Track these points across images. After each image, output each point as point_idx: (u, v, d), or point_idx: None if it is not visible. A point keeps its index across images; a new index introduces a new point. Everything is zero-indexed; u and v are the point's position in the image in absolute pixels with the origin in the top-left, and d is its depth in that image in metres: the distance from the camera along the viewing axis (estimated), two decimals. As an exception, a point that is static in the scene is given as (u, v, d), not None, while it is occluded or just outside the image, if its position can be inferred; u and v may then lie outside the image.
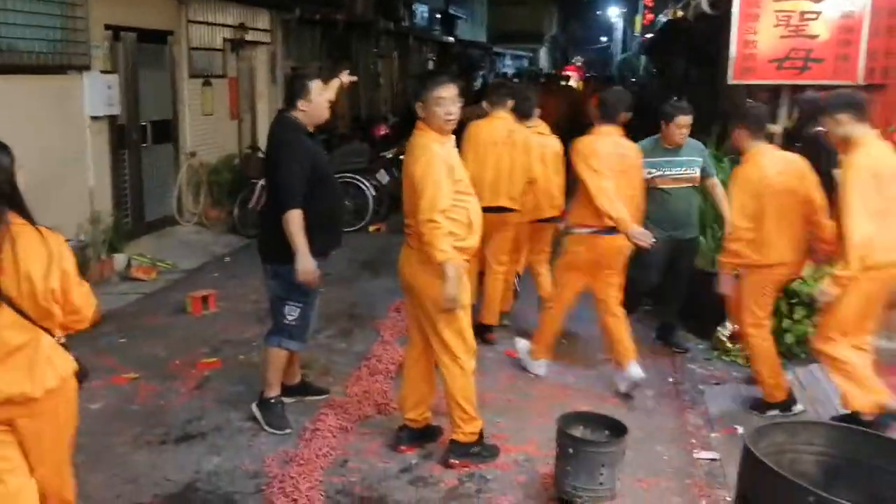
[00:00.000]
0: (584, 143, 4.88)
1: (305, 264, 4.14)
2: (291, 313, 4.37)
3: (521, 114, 5.90)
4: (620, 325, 5.03)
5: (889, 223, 3.95)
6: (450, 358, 3.94)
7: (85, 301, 2.86)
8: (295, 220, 4.13)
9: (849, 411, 4.20)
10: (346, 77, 4.88)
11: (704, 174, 5.66)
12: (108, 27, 7.74)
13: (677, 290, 5.93)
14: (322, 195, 4.33)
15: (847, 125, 4.12)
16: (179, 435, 4.40)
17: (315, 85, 4.33)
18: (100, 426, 4.45)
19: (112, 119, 7.85)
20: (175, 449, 4.24)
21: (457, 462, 4.02)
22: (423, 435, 4.23)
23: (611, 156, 4.81)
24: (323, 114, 4.41)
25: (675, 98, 7.24)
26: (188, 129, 9.42)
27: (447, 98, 3.82)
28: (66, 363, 2.80)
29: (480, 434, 4.08)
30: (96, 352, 5.57)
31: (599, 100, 5.10)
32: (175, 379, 5.16)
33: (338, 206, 4.72)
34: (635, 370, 4.97)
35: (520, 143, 5.69)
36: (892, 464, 2.74)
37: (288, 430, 4.40)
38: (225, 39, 10.26)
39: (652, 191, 5.44)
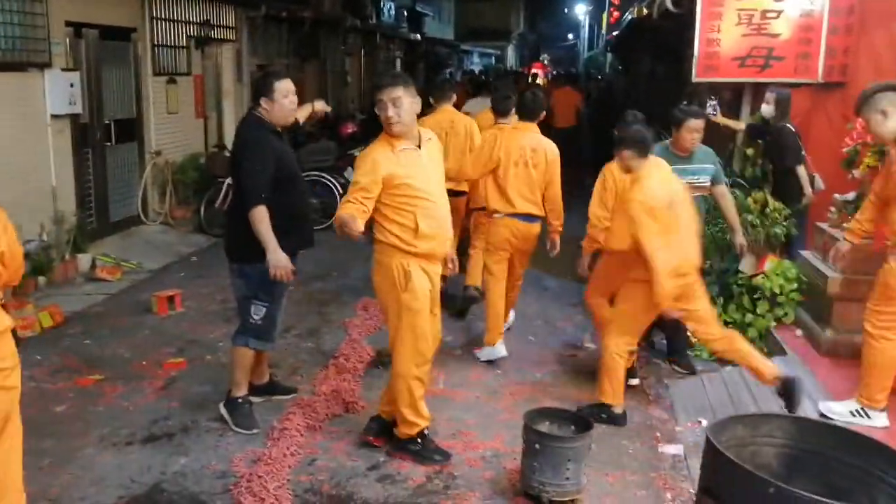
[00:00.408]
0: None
1: (277, 258, 4.14)
2: (257, 313, 4.35)
3: (499, 112, 5.83)
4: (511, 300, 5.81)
5: (671, 240, 4.18)
6: (398, 360, 3.99)
7: (22, 262, 3.11)
8: (260, 217, 4.12)
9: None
10: (319, 105, 4.95)
11: (715, 181, 5.35)
12: (68, 24, 7.62)
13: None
14: (289, 194, 4.31)
15: (632, 161, 4.32)
16: (145, 436, 4.36)
17: (280, 85, 4.26)
18: (65, 428, 4.41)
19: (74, 118, 7.74)
20: (141, 450, 4.21)
21: (397, 454, 4.12)
22: (393, 426, 4.22)
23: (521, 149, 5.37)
24: (287, 115, 4.35)
25: (686, 103, 6.47)
26: (153, 127, 9.32)
27: (384, 101, 3.82)
28: (3, 318, 2.93)
29: (420, 434, 4.09)
30: (60, 353, 5.52)
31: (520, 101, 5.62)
32: (141, 379, 5.11)
33: (306, 206, 4.67)
34: (500, 348, 5.50)
35: (462, 132, 6.53)
36: (847, 454, 2.80)
37: (255, 430, 4.38)
38: (189, 36, 10.16)
39: None
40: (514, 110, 5.71)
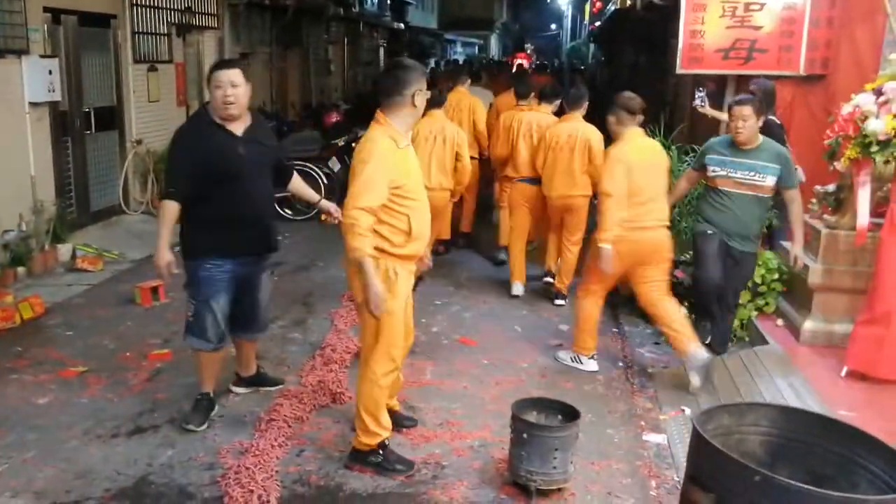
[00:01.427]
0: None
1: (158, 256, 4.14)
2: (189, 310, 4.31)
3: (520, 95, 7.39)
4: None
5: (632, 202, 4.82)
6: (368, 366, 3.83)
7: None
8: (163, 210, 4.11)
9: None
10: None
11: (782, 184, 5.00)
12: (46, 10, 7.52)
13: (724, 303, 5.32)
14: (223, 197, 4.09)
15: (615, 126, 5.00)
16: (131, 428, 4.34)
17: (214, 74, 4.03)
18: (48, 421, 4.38)
19: (53, 105, 7.65)
20: (127, 442, 4.19)
21: (350, 465, 3.93)
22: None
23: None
24: (219, 107, 4.04)
25: (673, 94, 6.92)
26: (133, 116, 9.23)
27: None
28: None
29: (381, 445, 3.90)
30: (42, 345, 5.47)
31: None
32: (125, 371, 5.09)
33: (246, 211, 4.18)
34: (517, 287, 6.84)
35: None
36: (830, 442, 2.85)
37: (199, 427, 4.28)
38: (170, 24, 10.06)
39: (710, 190, 5.22)
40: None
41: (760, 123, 5.03)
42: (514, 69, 18.92)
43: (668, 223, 5.07)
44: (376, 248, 3.62)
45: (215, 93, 4.02)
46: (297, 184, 4.66)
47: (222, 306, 4.29)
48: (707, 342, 5.28)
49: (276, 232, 4.48)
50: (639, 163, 4.88)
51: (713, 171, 5.15)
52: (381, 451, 3.91)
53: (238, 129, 4.13)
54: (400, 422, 4.29)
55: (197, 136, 4.14)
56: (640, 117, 5.04)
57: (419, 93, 3.69)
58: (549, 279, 6.97)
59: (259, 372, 4.86)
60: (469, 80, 8.99)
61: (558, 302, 6.69)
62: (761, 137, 5.06)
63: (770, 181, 4.98)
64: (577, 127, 6.49)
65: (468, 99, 8.47)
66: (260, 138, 4.24)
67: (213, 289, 4.24)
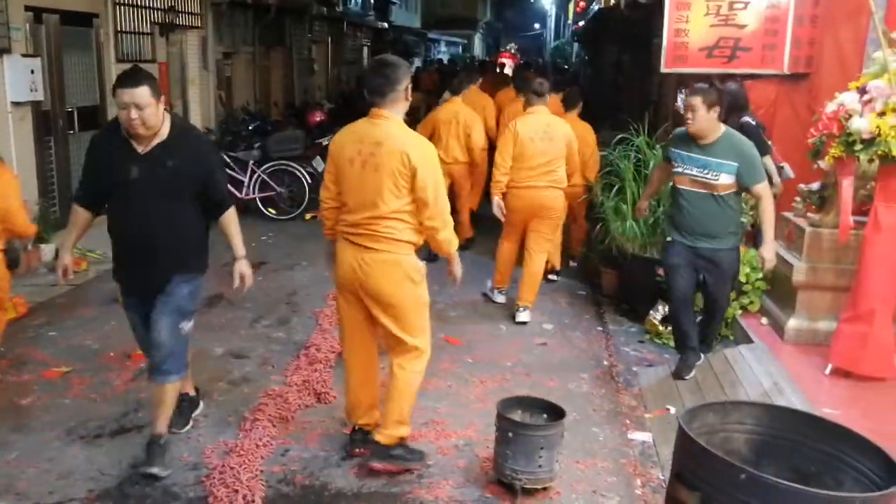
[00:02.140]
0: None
1: (58, 259, 4.02)
2: None
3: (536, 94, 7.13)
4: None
5: (522, 166, 6.12)
6: (418, 357, 3.87)
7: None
8: (71, 213, 4.02)
9: None
10: None
11: (742, 182, 4.77)
12: (28, 8, 7.46)
13: (708, 310, 5.24)
14: (116, 217, 3.86)
15: (526, 104, 6.34)
16: (115, 428, 4.30)
17: (118, 94, 3.58)
18: (31, 421, 4.34)
19: (36, 105, 7.59)
20: (111, 442, 4.16)
21: (380, 466, 3.87)
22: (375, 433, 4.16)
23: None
24: (123, 123, 3.63)
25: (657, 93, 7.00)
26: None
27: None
28: None
29: (403, 436, 3.96)
30: (25, 345, 5.43)
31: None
32: (109, 371, 5.05)
33: (135, 241, 3.80)
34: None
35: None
36: (815, 440, 2.86)
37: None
38: (154, 23, 10.00)
39: (672, 189, 5.14)
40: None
41: (714, 116, 4.76)
42: (497, 69, 18.95)
43: (563, 185, 6.23)
44: (408, 243, 3.78)
45: (119, 112, 3.61)
46: (228, 224, 3.97)
47: (141, 337, 4.02)
48: (676, 369, 5.11)
49: (184, 265, 3.85)
50: (527, 134, 6.11)
51: (674, 167, 5.01)
52: (401, 444, 3.95)
53: (142, 145, 3.68)
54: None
55: (100, 145, 3.88)
56: (547, 97, 6.38)
57: (409, 86, 3.79)
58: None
59: (187, 395, 4.34)
60: (480, 80, 9.69)
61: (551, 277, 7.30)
62: (721, 132, 4.81)
63: (725, 179, 4.75)
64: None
65: (483, 99, 9.23)
66: (167, 159, 3.69)
67: (129, 315, 4.03)
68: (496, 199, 6.18)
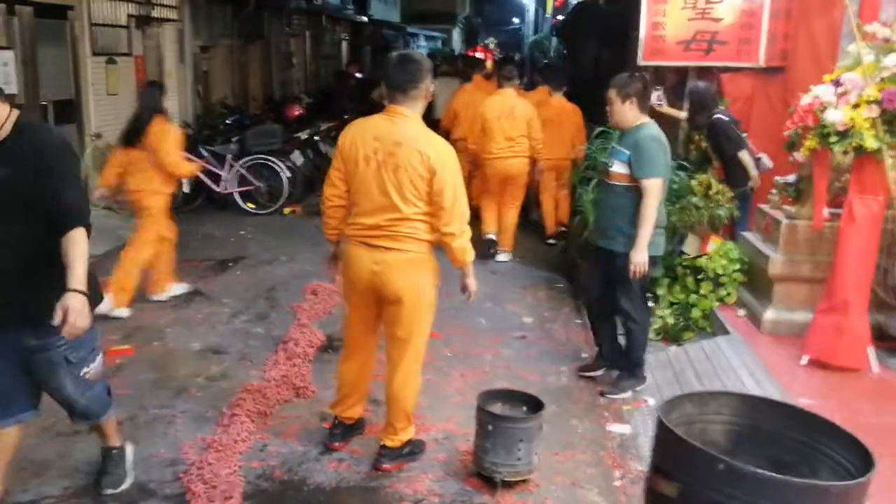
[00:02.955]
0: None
1: None
2: None
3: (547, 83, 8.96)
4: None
5: (489, 139, 7.60)
6: (416, 361, 3.83)
7: None
8: None
9: None
10: None
11: (633, 173, 4.50)
12: (0, 0, 7.35)
13: (610, 316, 5.01)
14: None
15: (497, 87, 8.03)
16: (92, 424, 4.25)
17: None
18: (4, 419, 4.27)
19: (9, 98, 7.45)
20: (87, 439, 4.08)
21: (390, 466, 3.87)
22: (354, 428, 4.14)
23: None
24: None
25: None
26: (92, 109, 9.07)
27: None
28: None
29: (410, 439, 3.96)
30: (-2, 342, 5.34)
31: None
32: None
33: None
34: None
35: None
36: (791, 429, 2.88)
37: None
38: (130, 16, 9.89)
39: None
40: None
41: (629, 108, 4.56)
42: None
43: (526, 154, 7.63)
44: (430, 242, 3.68)
45: None
46: (71, 244, 2.98)
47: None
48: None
49: (36, 296, 3.00)
50: (492, 112, 7.62)
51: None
52: (411, 442, 3.94)
53: None
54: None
55: None
56: (516, 81, 8.05)
57: (430, 86, 3.67)
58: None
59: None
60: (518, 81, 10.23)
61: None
62: (640, 122, 4.59)
63: (618, 168, 4.55)
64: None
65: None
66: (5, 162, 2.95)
67: None
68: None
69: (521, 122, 7.57)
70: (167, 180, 6.10)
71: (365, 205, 3.64)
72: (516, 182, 7.79)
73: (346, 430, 4.10)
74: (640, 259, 4.48)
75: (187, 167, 6.43)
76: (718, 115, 6.19)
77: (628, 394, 4.80)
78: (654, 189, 4.45)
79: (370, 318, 3.87)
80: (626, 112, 4.58)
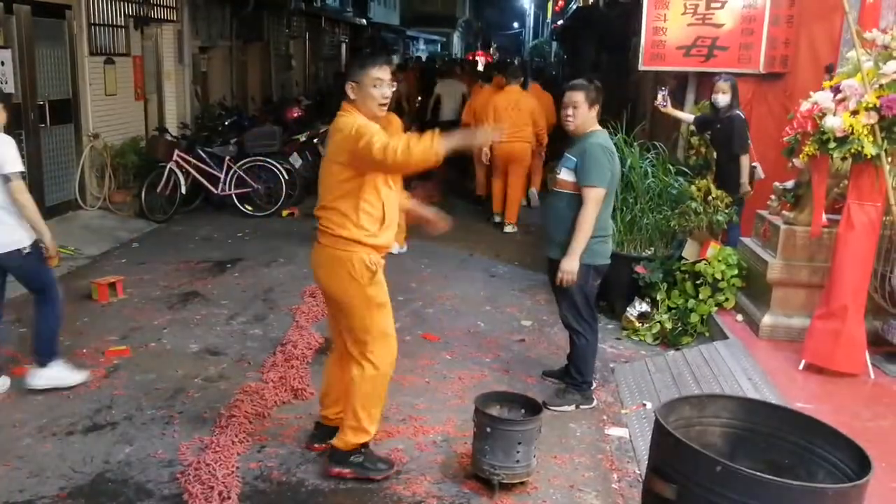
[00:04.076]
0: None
1: None
2: None
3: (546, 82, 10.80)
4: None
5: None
6: (365, 359, 3.69)
7: None
8: None
9: None
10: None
11: (578, 181, 4.39)
12: (-1, 0, 7.36)
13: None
14: None
15: (504, 83, 9.38)
16: (88, 425, 4.25)
17: None
18: (1, 418, 4.27)
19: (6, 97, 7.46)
20: (83, 439, 4.10)
21: (334, 472, 3.75)
22: (335, 430, 4.00)
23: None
24: None
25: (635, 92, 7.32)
26: (90, 109, 9.05)
27: (384, 80, 3.56)
28: None
29: (364, 444, 3.79)
30: (-5, 341, 5.34)
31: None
32: (82, 368, 4.97)
33: None
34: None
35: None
36: (786, 432, 2.89)
37: None
38: (128, 16, 9.88)
39: None
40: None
41: (594, 112, 4.45)
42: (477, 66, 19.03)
43: (529, 140, 9.18)
44: (354, 241, 3.56)
45: None
46: None
47: None
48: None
49: None
50: (500, 104, 9.10)
51: None
52: (363, 451, 3.80)
53: None
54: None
55: None
56: (521, 79, 9.59)
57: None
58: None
59: None
60: (522, 79, 10.65)
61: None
62: (593, 129, 4.48)
63: (564, 175, 4.45)
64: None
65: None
66: None
67: None
68: (484, 150, 9.16)
69: (525, 113, 9.18)
70: None
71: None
72: (521, 163, 9.35)
73: (325, 430, 4.03)
74: (568, 267, 4.39)
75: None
76: (738, 112, 6.20)
77: (571, 408, 4.65)
78: (594, 198, 4.35)
79: (330, 310, 3.89)
80: (590, 117, 4.46)
